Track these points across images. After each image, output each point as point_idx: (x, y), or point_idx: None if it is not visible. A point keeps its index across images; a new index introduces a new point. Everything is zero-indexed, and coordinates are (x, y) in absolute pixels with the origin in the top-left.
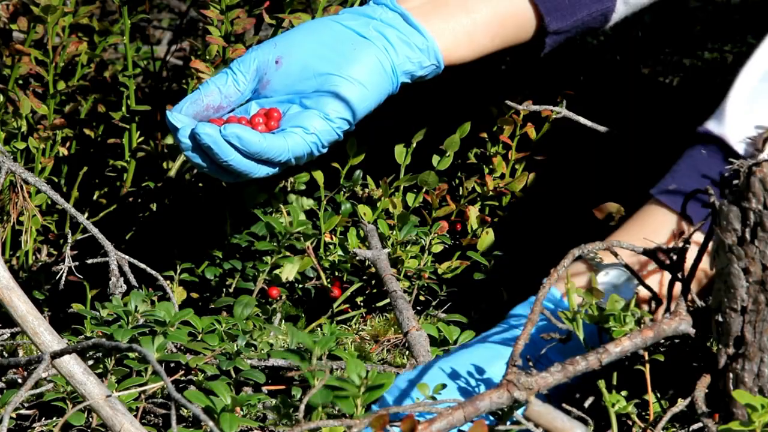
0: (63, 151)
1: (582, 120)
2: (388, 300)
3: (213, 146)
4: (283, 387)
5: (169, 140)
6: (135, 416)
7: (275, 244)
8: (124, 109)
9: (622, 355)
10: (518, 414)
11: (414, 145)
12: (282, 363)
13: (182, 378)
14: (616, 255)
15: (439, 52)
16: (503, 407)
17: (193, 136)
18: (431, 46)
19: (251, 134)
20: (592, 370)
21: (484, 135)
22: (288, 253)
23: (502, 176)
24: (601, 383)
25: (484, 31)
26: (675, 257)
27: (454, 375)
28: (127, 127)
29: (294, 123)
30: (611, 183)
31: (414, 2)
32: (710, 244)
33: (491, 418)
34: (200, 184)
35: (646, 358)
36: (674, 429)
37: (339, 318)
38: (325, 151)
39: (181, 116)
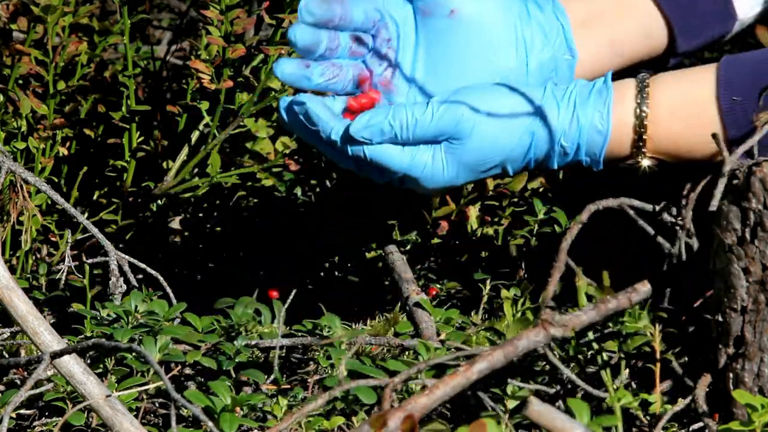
0: (63, 151)
1: None
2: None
3: None
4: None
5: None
6: (135, 416)
7: None
8: (124, 109)
9: (647, 294)
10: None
11: None
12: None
13: (181, 374)
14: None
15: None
16: (541, 345)
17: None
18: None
19: None
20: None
21: None
22: None
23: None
24: (609, 382)
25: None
26: None
27: None
28: (127, 127)
29: None
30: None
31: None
32: None
33: None
34: (200, 184)
35: (658, 356)
36: (674, 429)
37: None
38: None
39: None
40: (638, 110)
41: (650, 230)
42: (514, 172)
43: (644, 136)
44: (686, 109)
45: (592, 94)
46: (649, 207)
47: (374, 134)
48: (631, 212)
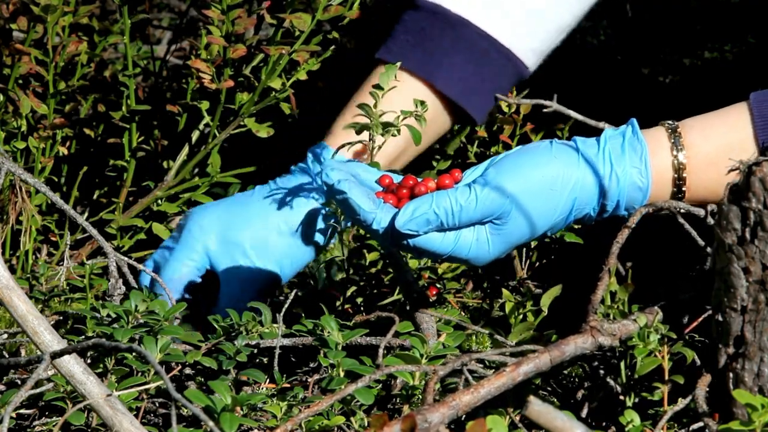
0: (63, 150)
1: (573, 114)
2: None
3: None
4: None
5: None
6: (135, 416)
7: None
8: (124, 108)
9: None
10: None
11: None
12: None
13: (181, 374)
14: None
15: None
16: (588, 352)
17: None
18: None
19: None
20: None
21: (484, 134)
22: None
23: None
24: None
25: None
26: None
27: None
28: (127, 126)
29: None
30: None
31: None
32: None
33: None
34: (200, 183)
35: (667, 376)
36: (674, 429)
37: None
38: None
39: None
40: (676, 162)
41: (695, 233)
42: (552, 234)
43: (683, 188)
44: (724, 156)
45: (626, 148)
46: (699, 212)
47: (420, 225)
48: (679, 216)
